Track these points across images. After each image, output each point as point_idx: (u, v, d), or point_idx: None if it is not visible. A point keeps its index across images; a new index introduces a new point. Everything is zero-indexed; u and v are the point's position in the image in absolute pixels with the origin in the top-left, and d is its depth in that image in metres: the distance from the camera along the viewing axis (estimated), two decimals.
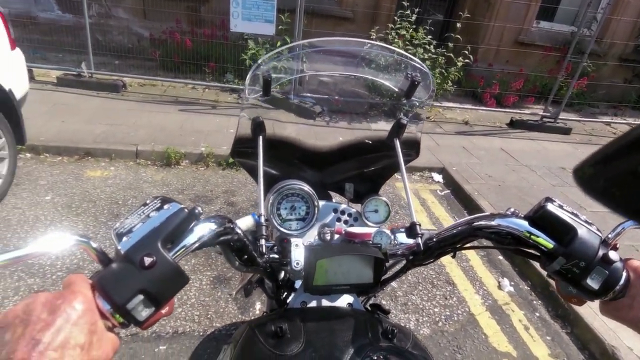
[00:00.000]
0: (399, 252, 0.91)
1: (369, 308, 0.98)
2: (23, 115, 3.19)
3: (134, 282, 0.50)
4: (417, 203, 3.93)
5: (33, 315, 0.40)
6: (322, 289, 0.83)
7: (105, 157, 3.90)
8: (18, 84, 3.11)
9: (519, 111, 6.71)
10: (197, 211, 0.64)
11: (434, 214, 3.78)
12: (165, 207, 0.59)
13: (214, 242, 0.65)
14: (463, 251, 0.89)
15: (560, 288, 0.72)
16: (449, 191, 4.29)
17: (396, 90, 1.16)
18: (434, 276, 2.95)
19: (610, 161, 0.50)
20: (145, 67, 6.07)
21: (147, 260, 0.51)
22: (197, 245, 0.61)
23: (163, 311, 0.55)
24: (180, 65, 6.02)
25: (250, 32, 5.40)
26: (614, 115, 7.89)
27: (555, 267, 0.67)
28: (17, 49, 3.18)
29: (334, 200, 1.29)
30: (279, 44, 5.60)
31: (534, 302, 2.85)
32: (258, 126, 1.05)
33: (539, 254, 0.71)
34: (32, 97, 3.74)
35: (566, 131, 6.40)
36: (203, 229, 0.62)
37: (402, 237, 0.95)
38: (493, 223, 0.75)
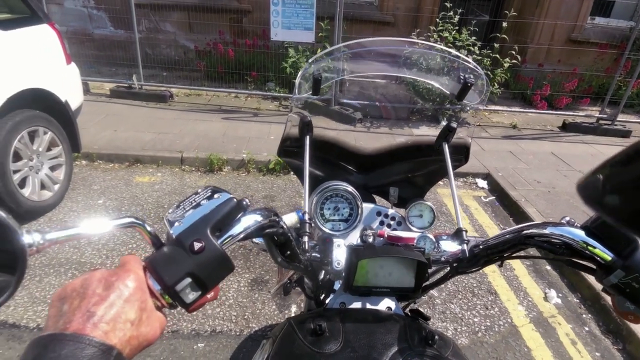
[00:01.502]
0: (443, 259, 0.90)
1: (409, 314, 0.95)
2: (78, 125, 3.42)
3: (183, 265, 0.52)
4: (459, 210, 3.80)
5: (89, 289, 0.44)
6: (361, 290, 0.82)
7: (152, 163, 4.10)
8: (73, 96, 3.35)
9: (572, 113, 6.33)
10: (245, 202, 0.65)
11: (477, 221, 3.64)
12: (216, 196, 0.61)
13: (260, 234, 0.67)
14: (508, 260, 0.85)
15: (617, 303, 0.67)
16: (494, 198, 4.11)
17: (447, 92, 1.13)
18: (474, 285, 2.82)
19: (614, 170, 0.47)
20: (191, 78, 6.34)
21: (197, 245, 0.52)
22: (243, 234, 0.63)
23: (209, 296, 0.56)
24: (224, 75, 6.22)
25: (290, 40, 5.49)
26: None
27: (613, 281, 0.63)
28: (72, 64, 3.42)
29: (377, 204, 1.27)
30: (319, 51, 5.65)
31: (583, 315, 2.66)
32: (306, 126, 1.05)
33: (594, 267, 0.67)
34: (87, 108, 4.02)
35: (625, 134, 5.96)
36: (250, 220, 0.64)
37: (446, 245, 0.92)
38: (546, 231, 0.72)
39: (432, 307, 2.60)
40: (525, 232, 0.74)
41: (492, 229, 3.54)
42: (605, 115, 6.03)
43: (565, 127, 6.06)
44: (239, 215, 0.62)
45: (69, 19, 6.58)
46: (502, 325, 2.51)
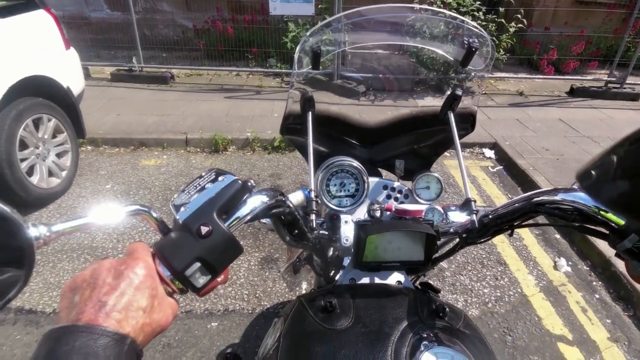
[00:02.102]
0: (452, 230, 0.89)
1: (419, 287, 0.96)
2: (81, 110, 3.41)
3: (191, 250, 0.51)
4: (467, 180, 3.78)
5: (99, 279, 0.44)
6: (371, 265, 0.82)
7: (157, 146, 4.10)
8: (75, 82, 3.33)
9: (580, 77, 6.19)
10: (250, 184, 0.65)
11: (485, 192, 3.63)
12: (220, 178, 0.61)
13: (267, 215, 0.67)
14: (518, 229, 0.84)
15: (632, 268, 0.66)
16: (501, 167, 4.08)
17: (450, 59, 1.10)
18: (484, 256, 2.84)
19: (611, 160, 0.48)
20: (191, 58, 6.26)
21: (204, 230, 0.52)
22: (250, 216, 0.62)
23: (219, 279, 0.56)
24: (224, 54, 6.13)
25: (289, 14, 5.37)
26: None
27: (627, 245, 0.61)
28: (72, 49, 3.38)
29: (384, 178, 1.26)
30: (319, 23, 5.52)
31: (594, 283, 2.67)
32: (307, 101, 1.03)
33: (607, 232, 0.65)
34: (88, 93, 3.99)
35: (634, 97, 5.83)
36: (256, 201, 0.64)
37: (454, 216, 0.92)
38: (557, 198, 0.70)
39: (442, 279, 2.62)
40: (535, 199, 0.73)
41: (501, 199, 3.53)
42: (614, 79, 5.89)
43: (573, 92, 5.94)
44: (245, 197, 0.62)
45: (65, 2, 6.46)
46: (512, 295, 2.53)
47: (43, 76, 2.97)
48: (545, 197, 0.72)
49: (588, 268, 2.78)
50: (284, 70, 5.93)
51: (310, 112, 1.03)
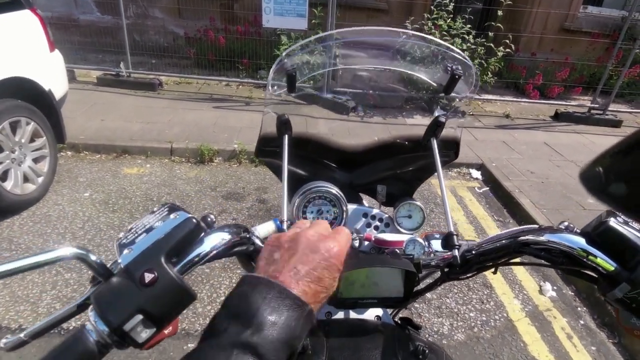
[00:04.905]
0: (433, 263, 0.85)
1: (399, 322, 0.91)
2: (64, 114, 3.32)
3: (132, 301, 0.46)
4: (453, 201, 3.78)
5: (299, 248, 0.50)
6: (347, 303, 0.77)
7: (141, 154, 4.00)
8: (57, 85, 3.23)
9: (564, 103, 6.33)
10: (210, 219, 0.59)
11: (471, 213, 3.62)
12: (172, 216, 0.55)
13: (228, 253, 0.61)
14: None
15: (622, 318, 0.62)
16: (487, 188, 4.10)
17: (434, 85, 1.07)
18: (470, 278, 2.81)
19: (617, 159, 0.46)
20: (181, 66, 6.19)
21: (148, 277, 0.47)
22: (207, 257, 0.57)
23: (166, 331, 0.52)
24: (215, 63, 6.09)
25: (282, 27, 5.37)
26: None
27: (617, 295, 0.57)
28: (56, 51, 3.29)
29: (365, 203, 1.22)
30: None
31: (579, 308, 2.66)
32: (283, 124, 0.99)
33: (596, 276, 0.62)
34: (73, 96, 3.90)
35: (616, 124, 5.98)
36: (215, 240, 0.58)
37: (437, 245, 0.88)
38: (542, 238, 0.66)
39: (428, 302, 2.58)
40: (520, 238, 0.69)
41: (486, 220, 3.53)
42: (596, 105, 6.03)
43: (558, 117, 6.06)
44: (202, 235, 0.56)
45: (54, 4, 6.35)
46: (498, 320, 2.50)
47: (24, 78, 2.87)
48: (530, 237, 0.68)
49: (573, 293, 2.78)
50: (280, 83, 5.90)
51: (286, 136, 0.99)
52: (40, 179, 3.11)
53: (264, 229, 0.83)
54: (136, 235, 0.52)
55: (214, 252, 0.57)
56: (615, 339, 2.44)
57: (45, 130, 3.10)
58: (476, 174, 4.33)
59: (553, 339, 2.41)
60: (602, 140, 5.43)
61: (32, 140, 3.03)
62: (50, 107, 3.12)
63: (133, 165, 3.85)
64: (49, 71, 3.15)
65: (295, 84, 0.97)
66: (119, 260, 0.49)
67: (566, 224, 0.66)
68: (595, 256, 0.60)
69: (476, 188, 4.09)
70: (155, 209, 0.58)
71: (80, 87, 5.32)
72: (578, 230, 0.65)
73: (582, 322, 2.55)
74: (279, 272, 0.47)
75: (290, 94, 1.00)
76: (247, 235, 0.64)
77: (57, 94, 3.20)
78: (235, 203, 3.40)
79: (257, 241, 0.68)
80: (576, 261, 0.62)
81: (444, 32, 5.67)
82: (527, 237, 0.68)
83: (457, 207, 3.69)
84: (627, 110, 6.50)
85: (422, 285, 0.95)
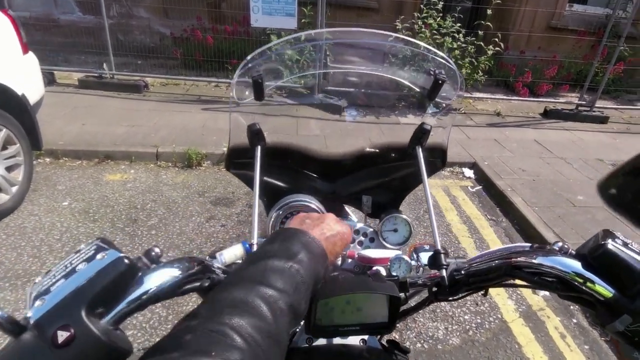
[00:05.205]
0: (420, 282, 0.79)
1: (386, 344, 0.85)
2: (41, 119, 3.17)
3: None
4: (446, 201, 3.74)
5: (326, 222, 0.67)
6: (327, 331, 0.71)
7: (125, 159, 3.87)
8: (32, 89, 3.07)
9: (553, 100, 6.37)
10: (154, 254, 0.50)
11: (464, 212, 3.59)
12: (99, 256, 0.45)
13: (178, 292, 0.51)
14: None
15: (623, 352, 0.56)
16: (480, 187, 4.07)
17: (417, 90, 1.02)
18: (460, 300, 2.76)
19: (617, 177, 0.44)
20: (167, 67, 6.05)
21: (62, 335, 0.38)
22: (149, 300, 0.47)
23: None
24: (203, 64, 5.96)
25: (271, 27, 5.28)
26: None
27: (619, 328, 0.51)
28: (30, 53, 3.14)
29: (351, 214, 1.15)
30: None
31: (571, 307, 2.64)
32: (255, 135, 0.92)
33: (594, 302, 0.56)
34: (52, 100, 3.75)
35: (603, 120, 6.04)
36: (160, 278, 0.49)
37: (426, 257, 0.82)
38: (534, 261, 0.60)
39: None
40: (513, 260, 0.63)
41: (480, 220, 3.50)
42: (584, 102, 6.09)
43: (547, 114, 6.10)
44: (139, 275, 0.47)
45: (32, 3, 6.16)
46: (493, 322, 2.46)
47: None
48: (522, 260, 0.62)
49: None
50: (271, 83, 5.79)
51: (259, 147, 0.92)
52: (14, 189, 2.95)
53: (230, 254, 0.75)
54: (53, 280, 0.43)
55: (159, 290, 0.48)
56: (607, 337, 2.42)
57: (18, 137, 2.93)
58: (469, 172, 4.30)
59: (547, 339, 2.39)
60: (590, 137, 5.47)
61: (4, 147, 2.86)
62: (25, 112, 2.95)
63: (116, 171, 3.72)
64: (22, 74, 2.98)
65: (263, 90, 0.91)
66: (28, 315, 0.40)
67: (560, 244, 0.61)
68: (593, 282, 0.54)
69: (469, 187, 4.06)
70: (82, 246, 0.48)
71: (61, 89, 5.17)
72: (573, 252, 0.60)
73: (574, 320, 2.54)
74: (310, 229, 0.63)
75: (258, 102, 0.94)
76: (202, 268, 0.56)
77: (32, 99, 3.04)
78: (225, 209, 3.30)
79: (218, 272, 0.61)
80: (571, 287, 0.56)
81: (434, 31, 5.64)
82: (518, 259, 0.62)
83: (450, 206, 3.65)
84: (613, 106, 6.57)
85: (410, 305, 0.89)
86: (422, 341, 2.27)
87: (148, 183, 3.58)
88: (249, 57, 0.93)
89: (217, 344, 0.39)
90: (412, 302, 0.86)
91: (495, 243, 3.19)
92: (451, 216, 3.51)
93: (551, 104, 6.20)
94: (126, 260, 0.46)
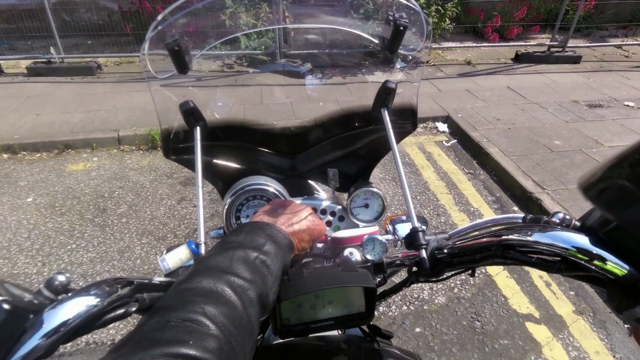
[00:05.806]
0: (398, 262, 0.71)
1: (367, 331, 0.77)
2: None
3: None
4: (422, 158, 3.67)
5: (296, 210, 0.69)
6: (297, 331, 0.62)
7: (86, 147, 3.67)
8: None
9: (524, 43, 6.28)
10: (58, 283, 0.40)
11: (441, 169, 3.53)
12: None
13: (96, 325, 0.41)
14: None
15: None
16: (455, 141, 4.01)
17: (376, 42, 0.89)
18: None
19: (621, 169, 0.40)
20: (119, 44, 5.68)
21: None
22: (52, 344, 0.37)
23: None
24: None
25: None
26: (625, 37, 7.36)
27: (639, 314, 0.42)
28: None
29: (317, 192, 1.05)
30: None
31: None
32: (190, 114, 0.80)
33: (606, 280, 0.46)
34: (2, 92, 3.49)
35: (576, 60, 5.96)
36: (69, 312, 0.38)
37: (405, 229, 0.73)
38: (529, 239, 0.49)
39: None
40: (504, 238, 0.53)
41: (457, 174, 3.45)
42: (556, 43, 5.98)
43: (519, 58, 6.00)
44: (40, 314, 0.37)
45: None
46: (477, 277, 2.45)
47: None
48: (515, 237, 0.52)
49: None
50: (224, 52, 5.52)
51: (197, 127, 0.79)
52: None
53: (174, 259, 0.65)
54: None
55: (68, 331, 0.38)
56: (624, 322, 2.44)
57: None
58: (442, 127, 4.22)
59: (532, 288, 2.39)
60: (564, 78, 5.40)
61: None
62: None
63: (78, 160, 3.53)
64: None
65: (186, 60, 0.75)
66: None
67: (561, 215, 0.50)
68: (604, 260, 0.44)
69: (444, 142, 3.99)
70: None
71: (9, 80, 4.83)
72: (577, 223, 0.49)
73: None
74: (276, 220, 0.65)
75: (182, 74, 0.80)
76: (133, 290, 0.45)
77: None
78: (195, 188, 3.17)
79: (157, 287, 0.49)
80: (577, 266, 0.46)
81: None
82: (510, 236, 0.52)
83: (426, 164, 3.59)
84: (586, 45, 6.50)
85: (389, 285, 0.81)
86: (407, 304, 2.25)
87: (113, 169, 3.41)
88: (159, 17, 0.75)
89: (192, 333, 0.39)
90: (395, 279, 0.78)
91: (474, 197, 3.16)
92: (428, 173, 3.45)
93: (522, 48, 6.09)
94: (5, 306, 0.35)
